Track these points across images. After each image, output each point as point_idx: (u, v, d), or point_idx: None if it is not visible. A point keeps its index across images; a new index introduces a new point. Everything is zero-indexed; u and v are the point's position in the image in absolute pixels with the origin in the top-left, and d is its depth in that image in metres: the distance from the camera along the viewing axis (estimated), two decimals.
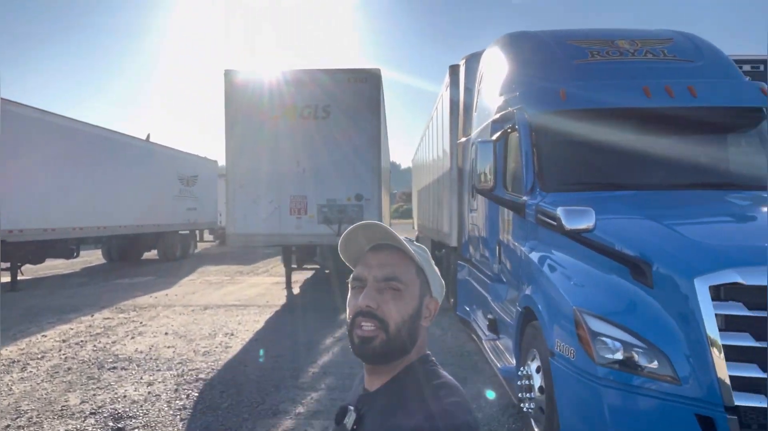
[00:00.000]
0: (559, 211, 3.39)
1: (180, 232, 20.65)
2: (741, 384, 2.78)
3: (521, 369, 4.05)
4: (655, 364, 2.95)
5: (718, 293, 2.86)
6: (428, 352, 1.23)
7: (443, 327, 8.18)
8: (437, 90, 9.93)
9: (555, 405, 3.41)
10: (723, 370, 2.78)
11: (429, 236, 13.20)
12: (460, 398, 1.10)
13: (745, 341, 2.80)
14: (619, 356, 3.03)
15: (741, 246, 3.07)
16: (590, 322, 3.16)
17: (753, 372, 2.77)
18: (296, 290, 12.34)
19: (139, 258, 19.57)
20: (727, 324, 2.84)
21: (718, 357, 2.80)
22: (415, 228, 20.45)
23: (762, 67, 9.00)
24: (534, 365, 3.87)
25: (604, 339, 3.09)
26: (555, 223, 3.74)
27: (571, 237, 3.41)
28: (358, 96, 9.50)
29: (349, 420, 1.16)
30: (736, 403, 2.76)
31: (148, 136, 19.46)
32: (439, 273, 1.26)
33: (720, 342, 2.80)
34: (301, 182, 9.52)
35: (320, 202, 9.59)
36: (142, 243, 18.80)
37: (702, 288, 2.87)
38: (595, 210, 3.30)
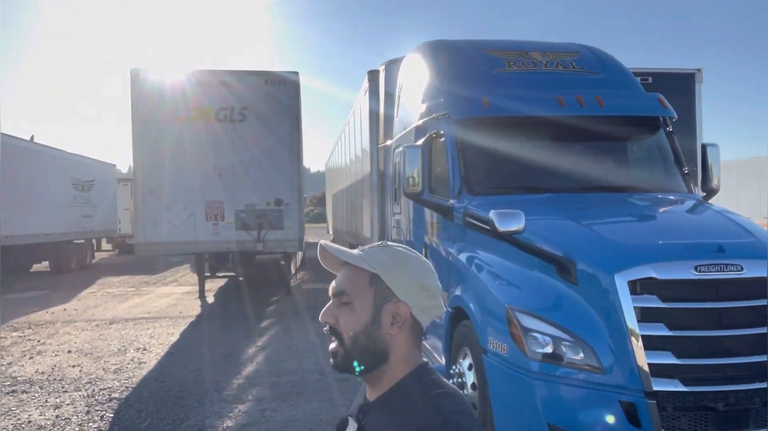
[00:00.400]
0: (492, 214, 3.54)
1: (75, 242, 19.14)
2: (658, 371, 3.05)
3: (452, 367, 4.17)
4: (581, 356, 3.16)
5: (635, 287, 3.12)
6: (425, 361, 1.21)
7: None
8: (349, 94, 10.04)
9: (488, 400, 3.55)
10: (642, 358, 3.04)
11: (346, 240, 13.22)
12: (463, 407, 1.10)
13: (661, 331, 3.07)
14: (548, 350, 3.21)
15: (653, 243, 3.37)
16: (522, 319, 3.32)
17: (668, 359, 3.05)
18: (211, 299, 11.88)
19: (28, 271, 17.90)
20: (644, 315, 3.10)
21: (638, 347, 3.05)
22: (330, 232, 20.41)
23: (650, 80, 9.91)
24: (466, 363, 3.99)
25: (534, 334, 3.26)
26: (485, 226, 3.90)
27: (503, 238, 3.57)
28: (276, 99, 9.34)
29: (350, 430, 1.16)
30: (655, 388, 3.02)
31: (32, 137, 17.84)
32: (418, 275, 1.19)
33: (638, 332, 3.06)
34: (217, 187, 9.18)
35: (238, 208, 9.30)
36: (32, 254, 17.20)
37: (621, 283, 3.12)
38: (535, 213, 3.49)
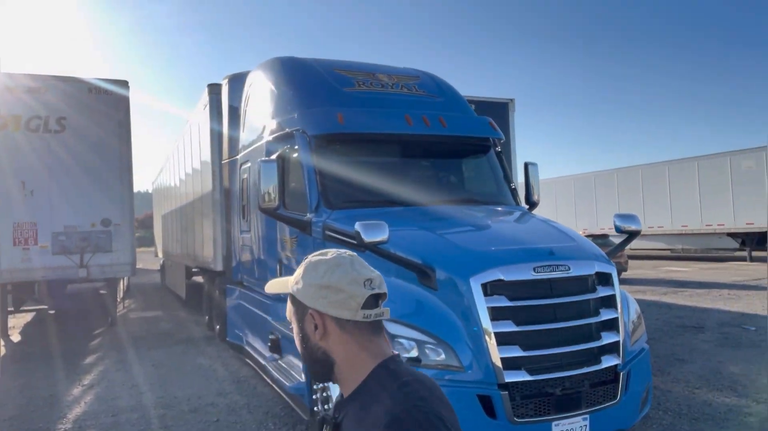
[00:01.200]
0: (358, 226, 3.62)
1: None
2: (508, 364, 3.37)
3: (315, 384, 4.13)
4: (443, 356, 3.37)
5: (486, 289, 3.43)
6: (392, 353, 1.24)
7: (210, 356, 7.76)
8: (175, 110, 9.49)
9: None
10: (495, 354, 3.34)
11: (180, 262, 12.36)
12: (427, 392, 1.13)
13: (509, 327, 3.41)
14: (414, 354, 3.37)
15: (499, 249, 3.73)
16: (387, 326, 3.41)
17: (516, 352, 3.39)
18: (17, 337, 10.21)
19: None
20: (495, 314, 3.42)
21: (491, 343, 3.34)
22: (159, 255, 18.85)
23: (473, 106, 10.98)
24: None
25: (400, 340, 3.40)
26: (347, 238, 3.97)
27: (368, 249, 3.66)
28: (100, 110, 8.46)
29: (328, 427, 1.22)
30: (507, 380, 3.33)
31: None
32: (313, 278, 1.22)
33: (491, 330, 3.35)
34: (28, 206, 7.98)
35: (56, 230, 8.18)
36: None
37: (476, 286, 3.41)
38: (394, 225, 3.64)
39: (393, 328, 3.42)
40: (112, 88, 8.53)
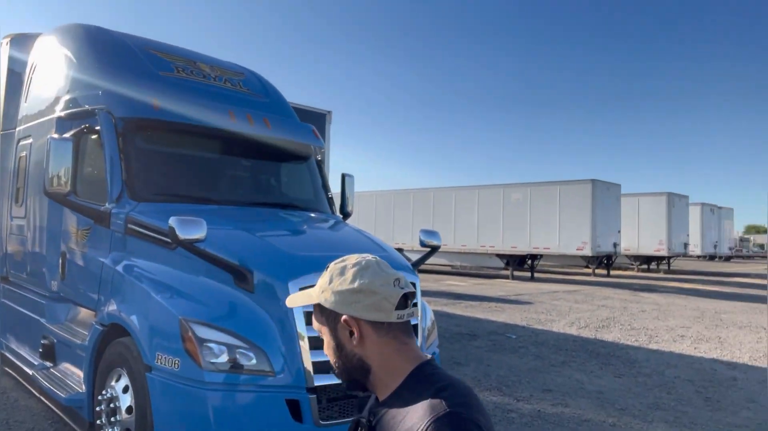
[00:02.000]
0: (173, 221, 3.35)
1: None
2: (319, 367, 3.42)
3: (102, 393, 3.70)
4: (254, 361, 3.29)
5: None
6: (427, 357, 1.24)
7: None
8: None
9: (149, 421, 3.30)
10: (308, 358, 3.36)
11: None
12: (467, 399, 1.12)
13: None
14: (224, 359, 3.23)
15: (318, 255, 3.77)
16: (197, 330, 3.24)
17: (326, 356, 3.45)
18: None
19: None
20: (310, 319, 3.44)
21: (304, 348, 3.36)
22: None
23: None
24: (120, 385, 3.61)
25: (210, 344, 3.23)
26: (155, 234, 3.66)
27: (183, 247, 3.41)
28: None
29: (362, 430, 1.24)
30: (316, 384, 3.38)
31: None
32: (349, 284, 1.23)
33: (305, 334, 3.38)
34: None
35: None
36: None
37: (294, 290, 3.40)
38: (212, 223, 3.44)
39: (202, 332, 3.24)
40: None
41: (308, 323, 3.42)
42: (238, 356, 3.25)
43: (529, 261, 24.34)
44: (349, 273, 1.24)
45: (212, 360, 3.20)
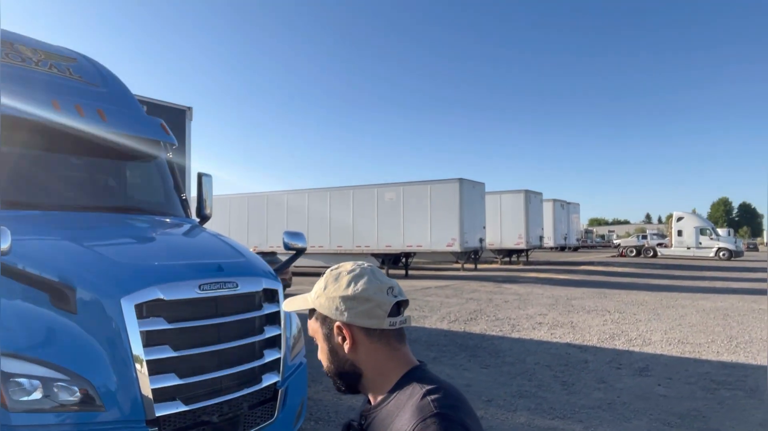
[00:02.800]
0: None
1: None
2: (162, 395, 2.98)
3: None
4: (78, 395, 2.77)
5: (142, 311, 2.98)
6: (418, 362, 1.28)
7: None
8: None
9: None
10: (146, 385, 2.91)
11: None
12: (456, 401, 1.15)
13: (166, 353, 3.02)
14: (38, 395, 2.68)
15: (160, 265, 3.31)
16: (2, 363, 2.65)
17: (171, 380, 3.02)
18: None
19: None
20: (150, 339, 2.99)
21: (141, 373, 2.90)
22: None
23: (145, 108, 10.03)
24: None
25: (19, 380, 2.67)
26: None
27: None
28: None
29: None
30: (157, 414, 2.93)
31: None
32: (335, 290, 1.26)
33: (143, 357, 2.92)
34: None
35: None
36: None
37: (128, 308, 2.92)
38: (36, 229, 2.84)
39: (9, 365, 2.65)
40: None
41: (148, 344, 2.97)
42: (56, 390, 2.71)
43: (404, 260, 24.91)
44: (344, 280, 1.27)
45: (23, 398, 2.64)
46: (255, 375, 3.52)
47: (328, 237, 25.77)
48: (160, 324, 3.04)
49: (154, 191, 4.86)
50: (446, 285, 19.66)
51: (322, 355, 1.30)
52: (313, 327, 1.31)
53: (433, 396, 1.15)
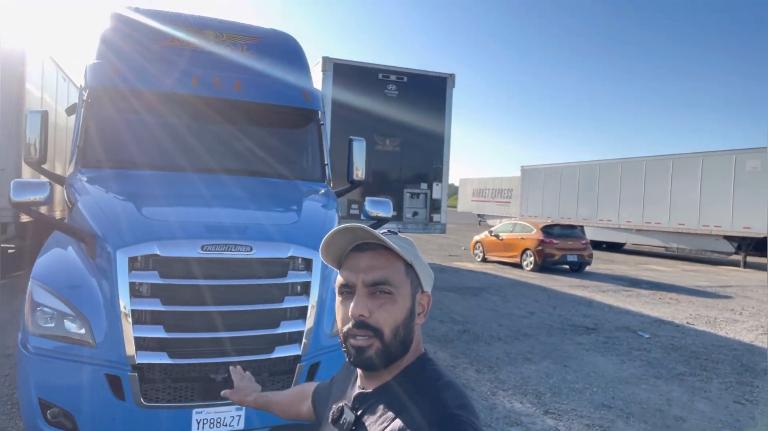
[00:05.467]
0: (12, 184, 3.41)
1: None
2: (147, 344, 3.14)
3: None
4: (82, 331, 3.16)
5: (136, 263, 3.18)
6: (425, 350, 1.19)
7: None
8: None
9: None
10: (130, 334, 3.10)
11: None
12: (465, 400, 1.08)
13: (154, 306, 3.16)
14: (52, 325, 3.17)
15: (171, 221, 3.45)
16: (36, 293, 3.25)
17: (158, 332, 3.15)
18: None
19: None
20: (140, 290, 3.17)
21: (127, 322, 3.11)
22: None
23: (405, 79, 10.51)
24: None
25: (44, 309, 3.21)
26: (68, 201, 3.82)
27: (21, 212, 3.45)
28: None
29: (347, 419, 1.14)
30: (139, 361, 3.11)
31: None
32: (427, 264, 1.21)
33: (129, 307, 3.11)
34: None
35: None
36: None
37: (122, 259, 3.16)
38: (101, 187, 3.49)
39: (40, 296, 3.22)
40: None
41: (136, 295, 3.16)
42: (66, 323, 3.17)
43: None
44: (417, 250, 1.21)
45: (43, 325, 3.18)
46: (265, 344, 3.35)
47: (668, 213, 22.11)
48: (152, 278, 3.18)
49: (283, 156, 5.01)
50: None
51: (396, 315, 1.11)
52: (398, 282, 1.12)
53: (445, 395, 1.07)
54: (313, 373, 3.49)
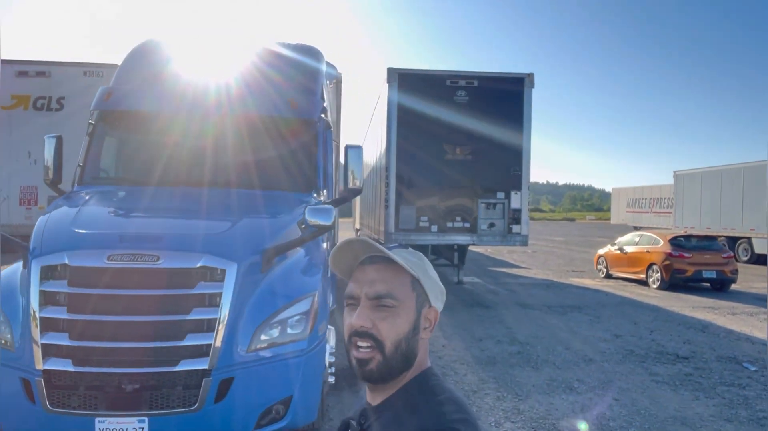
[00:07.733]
0: None
1: None
2: (53, 351, 3.24)
3: None
4: (8, 336, 3.37)
5: (47, 272, 3.32)
6: (430, 365, 1.19)
7: None
8: None
9: None
10: (37, 339, 3.24)
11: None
12: (467, 414, 1.07)
13: (59, 314, 3.27)
14: None
15: (86, 233, 3.54)
16: None
17: (63, 340, 3.24)
18: None
19: None
20: (49, 299, 3.30)
21: (35, 328, 3.25)
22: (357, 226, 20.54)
23: (475, 83, 9.92)
24: None
25: None
26: None
27: None
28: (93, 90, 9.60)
29: None
30: (45, 367, 3.22)
31: None
32: (438, 280, 1.21)
33: (38, 315, 3.26)
34: (31, 172, 9.47)
35: (51, 194, 9.58)
36: None
37: (35, 269, 3.33)
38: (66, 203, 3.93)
39: None
40: (104, 71, 9.61)
41: (45, 303, 3.30)
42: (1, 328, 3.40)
43: None
44: (433, 270, 1.21)
45: None
46: (169, 356, 3.27)
47: None
48: (61, 287, 3.30)
49: (270, 167, 4.93)
50: None
51: (399, 328, 1.11)
52: (403, 293, 1.12)
53: (446, 408, 1.07)
54: (225, 389, 3.34)
